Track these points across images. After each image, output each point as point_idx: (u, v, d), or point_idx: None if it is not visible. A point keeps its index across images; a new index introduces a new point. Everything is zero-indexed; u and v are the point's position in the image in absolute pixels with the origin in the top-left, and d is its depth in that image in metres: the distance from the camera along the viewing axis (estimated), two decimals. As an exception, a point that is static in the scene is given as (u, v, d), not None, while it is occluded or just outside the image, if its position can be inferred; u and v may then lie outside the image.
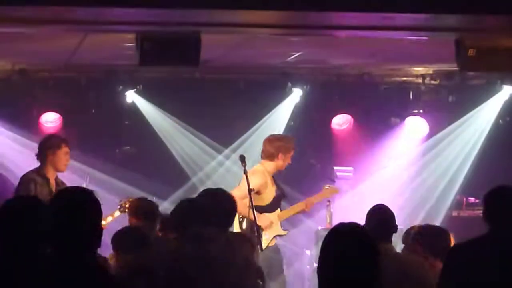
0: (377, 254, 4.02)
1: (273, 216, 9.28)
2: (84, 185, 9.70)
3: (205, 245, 6.10)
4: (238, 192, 8.59)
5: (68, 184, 8.95)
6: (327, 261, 4.02)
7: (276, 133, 10.57)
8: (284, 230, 9.37)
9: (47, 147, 9.26)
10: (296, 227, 10.31)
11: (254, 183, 8.81)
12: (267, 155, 9.14)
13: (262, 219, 9.07)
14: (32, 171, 9.27)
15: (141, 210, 7.96)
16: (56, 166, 9.18)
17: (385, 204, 6.69)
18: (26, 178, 9.19)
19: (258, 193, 9.09)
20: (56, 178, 9.25)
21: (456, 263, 5.75)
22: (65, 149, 9.23)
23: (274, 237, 9.17)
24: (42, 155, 9.26)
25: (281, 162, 9.17)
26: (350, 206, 10.76)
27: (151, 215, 7.78)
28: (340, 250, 4.01)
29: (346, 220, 4.80)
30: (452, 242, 6.91)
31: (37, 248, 4.34)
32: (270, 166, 9.17)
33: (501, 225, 5.66)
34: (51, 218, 4.30)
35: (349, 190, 10.78)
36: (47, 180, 9.14)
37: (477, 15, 7.55)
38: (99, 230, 4.28)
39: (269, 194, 9.28)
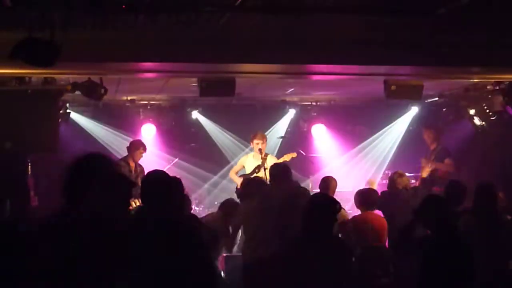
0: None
1: None
2: (167, 166, 9.68)
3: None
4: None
5: (145, 167, 8.74)
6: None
7: (278, 135, 10.71)
8: None
9: (131, 146, 9.15)
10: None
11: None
12: None
13: None
14: (120, 159, 9.09)
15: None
16: (134, 158, 8.99)
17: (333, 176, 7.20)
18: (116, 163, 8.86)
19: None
20: (136, 163, 8.97)
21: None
22: (141, 150, 9.01)
23: None
24: (128, 149, 9.15)
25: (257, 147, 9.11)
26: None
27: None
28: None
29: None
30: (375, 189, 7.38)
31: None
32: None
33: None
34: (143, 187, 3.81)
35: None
36: (128, 163, 8.88)
37: (396, 66, 7.52)
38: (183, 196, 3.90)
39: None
